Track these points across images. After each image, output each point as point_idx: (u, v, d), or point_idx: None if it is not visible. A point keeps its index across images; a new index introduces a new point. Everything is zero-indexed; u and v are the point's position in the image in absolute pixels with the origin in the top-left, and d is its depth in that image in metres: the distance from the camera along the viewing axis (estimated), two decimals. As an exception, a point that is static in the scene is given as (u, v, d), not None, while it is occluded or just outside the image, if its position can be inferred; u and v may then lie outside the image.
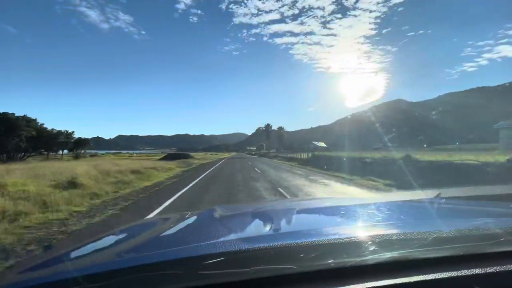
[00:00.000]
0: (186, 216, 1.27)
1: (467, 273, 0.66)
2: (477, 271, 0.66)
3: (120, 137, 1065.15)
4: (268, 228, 0.96)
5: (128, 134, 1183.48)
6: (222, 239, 0.77)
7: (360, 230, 0.82)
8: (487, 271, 0.66)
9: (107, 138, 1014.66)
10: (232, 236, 0.83)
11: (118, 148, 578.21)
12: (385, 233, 0.74)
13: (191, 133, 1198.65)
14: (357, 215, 1.19)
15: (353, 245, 0.69)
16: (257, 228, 1.02)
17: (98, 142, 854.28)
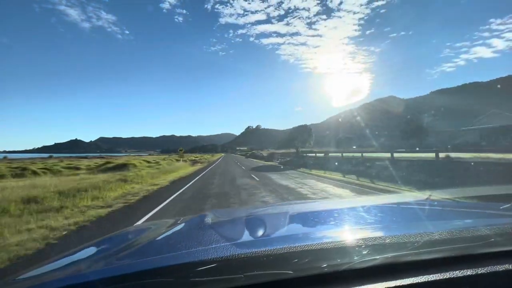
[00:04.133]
0: (178, 222, 1.28)
1: (458, 275, 0.67)
2: (468, 273, 0.68)
3: (101, 140, 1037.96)
4: (261, 232, 0.97)
5: (111, 136, 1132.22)
6: (214, 245, 0.77)
7: (353, 234, 0.84)
8: (478, 272, 0.68)
9: (87, 140, 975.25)
10: (224, 242, 0.82)
11: (98, 151, 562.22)
12: (378, 236, 0.76)
13: (178, 134, 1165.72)
14: (350, 218, 1.21)
15: (347, 249, 0.70)
16: (250, 233, 1.01)
17: (76, 145, 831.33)
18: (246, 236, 0.97)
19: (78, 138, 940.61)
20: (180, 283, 0.60)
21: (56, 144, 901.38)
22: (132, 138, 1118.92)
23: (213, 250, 0.68)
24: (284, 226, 1.08)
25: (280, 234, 0.97)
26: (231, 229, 1.17)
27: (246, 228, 1.13)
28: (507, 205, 1.19)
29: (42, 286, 0.62)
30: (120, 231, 1.38)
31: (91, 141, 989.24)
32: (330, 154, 23.07)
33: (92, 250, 1.02)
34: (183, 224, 1.22)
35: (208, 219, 1.23)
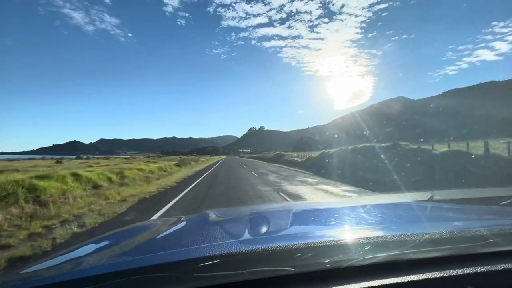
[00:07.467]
0: (181, 219, 1.34)
1: (459, 273, 0.71)
2: (468, 271, 0.71)
3: (101, 141, 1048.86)
4: (263, 230, 0.99)
5: (111, 138, 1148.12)
6: (217, 241, 0.80)
7: (355, 232, 0.87)
8: (478, 271, 0.72)
9: (86, 142, 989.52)
10: (227, 238, 0.85)
11: (97, 152, 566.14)
12: (380, 235, 0.78)
13: (179, 136, 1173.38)
14: (352, 217, 1.25)
15: (349, 246, 0.73)
16: (253, 230, 1.04)
17: (75, 147, 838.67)
18: (249, 234, 0.99)
19: (77, 140, 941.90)
20: (184, 278, 0.63)
21: (54, 146, 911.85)
22: (133, 139, 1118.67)
23: (216, 246, 0.71)
24: (286, 224, 1.11)
25: (282, 231, 1.00)
26: (234, 226, 1.20)
27: (249, 226, 1.15)
28: (507, 202, 1.22)
29: (42, 280, 0.64)
30: (125, 228, 1.42)
31: (90, 142, 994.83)
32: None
33: (96, 245, 1.06)
34: (185, 222, 1.26)
35: (210, 217, 1.28)
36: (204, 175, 16.11)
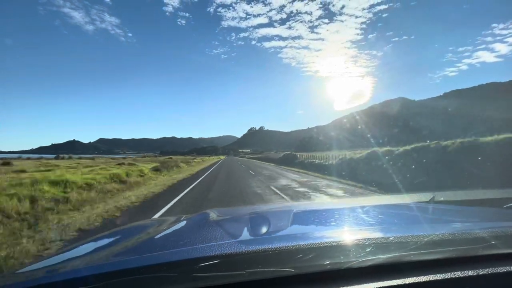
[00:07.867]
0: (181, 219, 1.34)
1: (460, 275, 0.70)
2: (469, 273, 0.71)
3: (101, 141, 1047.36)
4: (263, 230, 0.98)
5: (110, 137, 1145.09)
6: (217, 241, 0.80)
7: (356, 233, 0.87)
8: (480, 273, 0.71)
9: (86, 141, 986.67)
10: (227, 239, 0.85)
11: (96, 152, 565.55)
12: (381, 236, 0.78)
13: (178, 136, 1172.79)
14: (352, 218, 1.25)
15: (349, 247, 0.73)
16: (253, 230, 1.03)
17: (74, 146, 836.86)
18: (249, 234, 0.99)
19: (76, 139, 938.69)
20: (183, 278, 0.62)
21: (53, 145, 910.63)
22: (132, 139, 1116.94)
23: (216, 246, 0.71)
24: (287, 224, 1.10)
25: (282, 232, 0.99)
26: (234, 226, 1.20)
27: (249, 226, 1.15)
28: (511, 204, 1.29)
29: (43, 279, 0.64)
30: (124, 227, 1.44)
31: (90, 142, 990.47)
32: None
33: (95, 244, 1.06)
34: (185, 222, 1.26)
35: (211, 217, 1.29)
36: (184, 192, 9.16)
